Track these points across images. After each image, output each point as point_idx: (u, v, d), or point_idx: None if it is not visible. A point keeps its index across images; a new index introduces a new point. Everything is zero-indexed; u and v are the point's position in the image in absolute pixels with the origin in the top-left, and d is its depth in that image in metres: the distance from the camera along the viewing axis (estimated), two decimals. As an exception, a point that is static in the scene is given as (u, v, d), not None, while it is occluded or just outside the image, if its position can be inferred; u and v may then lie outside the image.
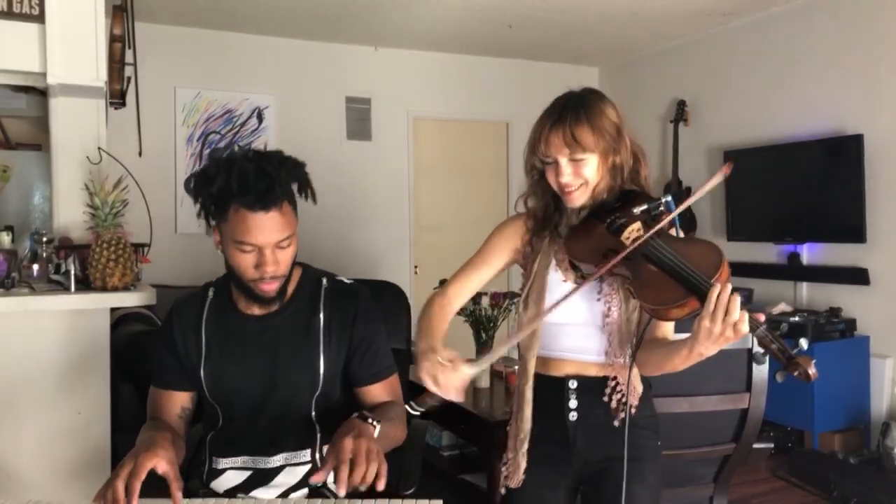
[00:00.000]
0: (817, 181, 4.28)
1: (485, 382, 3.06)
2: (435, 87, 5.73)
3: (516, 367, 3.00)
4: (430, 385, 1.33)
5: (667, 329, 1.51)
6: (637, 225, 1.40)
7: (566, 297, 1.40)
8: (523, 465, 1.55)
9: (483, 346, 3.28)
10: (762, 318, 1.28)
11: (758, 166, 4.65)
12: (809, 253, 4.38)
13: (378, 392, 1.59)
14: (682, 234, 1.50)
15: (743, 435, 2.18)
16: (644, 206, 1.40)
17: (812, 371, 1.21)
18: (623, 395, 1.51)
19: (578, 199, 1.49)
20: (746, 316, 1.25)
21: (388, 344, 1.65)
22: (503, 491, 1.59)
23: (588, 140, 1.44)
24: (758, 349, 1.26)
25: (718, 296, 1.25)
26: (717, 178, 1.38)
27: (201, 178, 1.45)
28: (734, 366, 2.15)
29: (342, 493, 1.17)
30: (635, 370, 1.53)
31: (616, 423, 1.52)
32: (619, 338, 1.50)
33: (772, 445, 2.49)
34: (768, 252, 4.66)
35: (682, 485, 2.21)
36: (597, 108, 1.47)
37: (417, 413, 1.42)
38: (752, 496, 3.51)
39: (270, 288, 1.47)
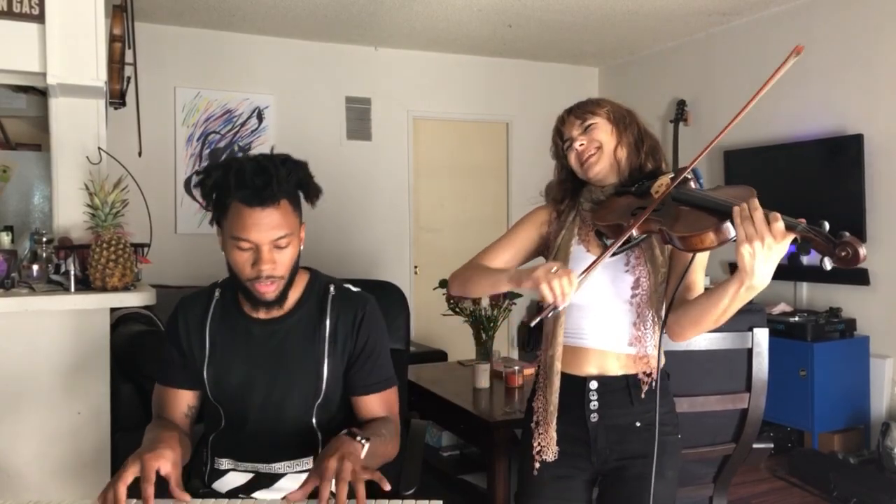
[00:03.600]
0: (817, 181, 4.28)
1: (485, 383, 3.05)
2: (435, 87, 5.73)
3: (516, 368, 3.02)
4: (545, 293, 1.34)
5: (698, 287, 1.52)
6: (665, 180, 1.46)
7: (616, 244, 1.42)
8: (555, 437, 1.56)
9: (483, 346, 3.28)
10: (803, 221, 1.25)
11: (758, 166, 4.65)
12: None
13: (374, 403, 1.57)
14: None
15: (743, 435, 2.18)
16: (671, 174, 1.47)
17: (863, 251, 1.15)
18: (651, 372, 1.54)
19: (596, 165, 1.58)
20: (779, 216, 1.24)
21: (389, 355, 1.63)
22: (536, 465, 1.59)
23: (594, 106, 1.61)
24: (803, 244, 1.22)
25: (743, 207, 1.26)
26: (791, 60, 1.32)
27: (202, 172, 1.47)
28: (734, 366, 2.15)
29: None
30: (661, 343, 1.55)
31: (638, 424, 1.54)
32: (649, 307, 1.52)
33: (771, 445, 2.49)
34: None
35: (683, 485, 2.19)
36: (603, 99, 1.66)
37: (534, 323, 1.44)
38: (752, 496, 3.51)
39: (268, 290, 1.45)
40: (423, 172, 5.78)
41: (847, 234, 1.18)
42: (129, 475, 1.23)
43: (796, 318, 4.06)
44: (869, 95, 4.10)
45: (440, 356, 4.70)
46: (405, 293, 2.26)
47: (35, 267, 2.40)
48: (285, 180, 1.42)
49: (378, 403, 1.57)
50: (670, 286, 1.53)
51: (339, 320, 1.56)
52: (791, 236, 1.24)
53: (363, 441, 1.32)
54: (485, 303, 3.26)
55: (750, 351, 2.13)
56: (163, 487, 1.26)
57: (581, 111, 1.61)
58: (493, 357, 3.28)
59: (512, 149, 5.99)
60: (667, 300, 1.53)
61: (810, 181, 4.32)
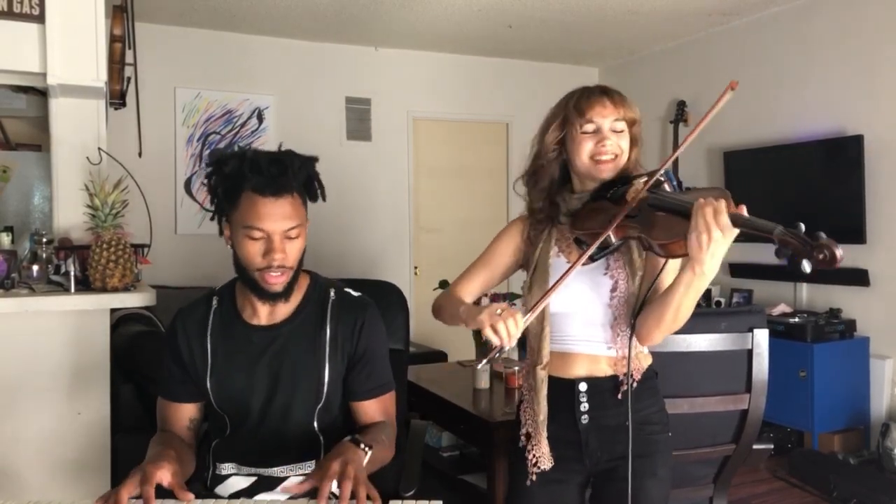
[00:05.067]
0: (817, 181, 4.28)
1: (485, 383, 3.05)
2: (435, 87, 5.73)
3: (516, 369, 3.02)
4: (490, 336, 1.35)
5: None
6: (639, 185, 1.44)
7: (590, 251, 1.41)
8: (547, 446, 1.55)
9: (484, 348, 3.27)
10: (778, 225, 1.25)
11: (758, 166, 4.65)
12: (809, 253, 4.37)
13: (372, 408, 1.58)
14: None
15: (743, 435, 2.18)
16: (644, 178, 1.45)
17: (839, 251, 1.15)
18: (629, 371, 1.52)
19: (609, 170, 1.51)
20: (727, 216, 1.25)
21: (388, 360, 1.64)
22: (533, 478, 1.56)
23: (630, 111, 1.51)
24: (782, 247, 1.22)
25: (700, 202, 1.28)
26: (727, 96, 1.37)
27: (216, 162, 1.48)
28: (734, 366, 2.15)
29: None
30: (641, 347, 1.55)
31: (628, 423, 1.52)
32: (625, 310, 1.51)
33: (771, 446, 2.49)
34: (768, 253, 4.55)
35: (683, 485, 2.21)
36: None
37: (487, 367, 1.48)
38: (752, 497, 3.51)
39: (277, 281, 1.46)
40: (423, 172, 5.78)
41: (823, 234, 1.18)
42: (131, 484, 1.24)
43: (796, 319, 4.06)
44: (869, 96, 4.10)
45: (440, 356, 4.70)
46: (405, 293, 2.26)
47: (35, 267, 2.39)
48: (298, 172, 1.46)
49: (376, 408, 1.58)
50: (641, 290, 1.52)
51: (340, 325, 1.56)
52: (736, 231, 1.26)
53: (366, 449, 1.33)
54: (484, 303, 3.25)
55: (750, 352, 2.13)
56: (165, 493, 1.27)
57: (621, 105, 1.49)
58: (496, 357, 3.27)
59: (512, 149, 5.99)
60: (637, 304, 1.52)
61: (810, 182, 4.32)
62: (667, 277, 1.50)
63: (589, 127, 1.50)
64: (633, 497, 1.52)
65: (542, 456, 1.56)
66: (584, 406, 1.55)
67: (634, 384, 1.53)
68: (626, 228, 1.41)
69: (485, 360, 1.44)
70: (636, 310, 1.50)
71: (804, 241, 1.19)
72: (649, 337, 1.49)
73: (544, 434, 1.55)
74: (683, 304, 1.39)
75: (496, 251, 1.66)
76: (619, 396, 1.54)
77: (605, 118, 1.49)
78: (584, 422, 1.55)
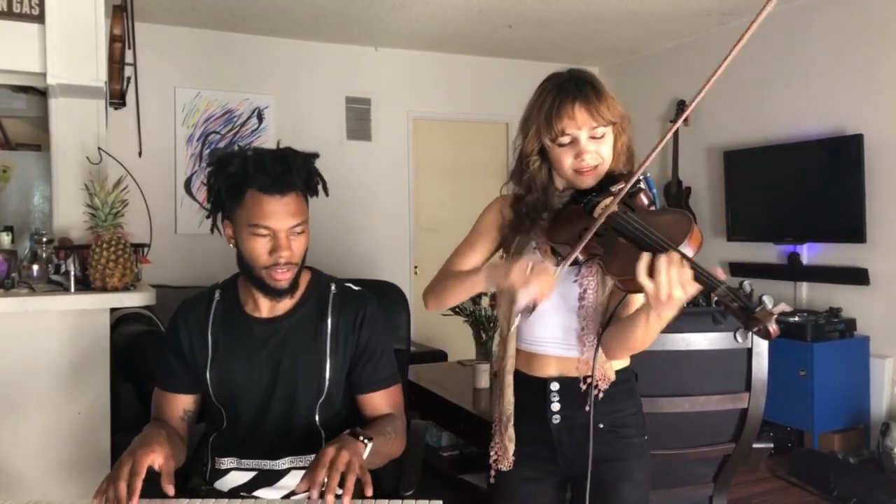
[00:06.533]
0: (817, 181, 4.28)
1: (485, 382, 3.05)
2: (435, 87, 5.73)
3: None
4: (523, 295, 1.31)
5: (636, 306, 1.45)
6: (610, 200, 1.37)
7: (565, 264, 1.36)
8: (511, 447, 1.53)
9: (484, 348, 3.27)
10: (721, 275, 1.19)
11: (758, 166, 4.65)
12: (809, 253, 4.37)
13: (379, 401, 1.59)
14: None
15: (742, 435, 2.18)
16: (620, 184, 1.36)
17: (773, 328, 1.12)
18: (593, 382, 1.48)
19: (591, 178, 1.44)
20: (690, 274, 1.19)
21: (392, 353, 1.65)
22: (493, 473, 1.56)
23: (608, 112, 1.41)
24: (719, 308, 1.18)
25: (672, 258, 1.20)
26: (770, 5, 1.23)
27: (218, 162, 1.49)
28: (734, 366, 2.15)
29: (314, 495, 1.19)
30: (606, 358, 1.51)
31: (601, 426, 1.50)
32: (594, 319, 1.48)
33: (771, 445, 2.49)
34: (768, 252, 4.66)
35: (682, 485, 2.21)
36: (604, 87, 1.47)
37: (516, 322, 1.44)
38: (752, 496, 3.51)
39: (284, 277, 1.48)
40: (423, 172, 5.78)
41: (767, 303, 1.14)
42: (125, 472, 1.23)
43: (796, 318, 4.05)
44: (869, 95, 4.10)
45: (440, 356, 4.70)
46: (405, 293, 2.26)
47: (35, 267, 2.40)
48: (300, 169, 1.48)
49: (383, 400, 1.59)
50: (611, 303, 1.48)
51: (341, 319, 1.57)
52: (704, 292, 1.21)
53: (366, 441, 1.32)
54: (485, 303, 3.25)
55: (750, 351, 2.13)
56: (155, 486, 1.26)
57: (596, 109, 1.40)
58: (493, 357, 3.27)
59: (512, 149, 5.98)
60: (604, 316, 1.48)
61: (810, 181, 4.32)
62: (636, 295, 1.45)
63: (564, 140, 1.42)
64: (609, 501, 1.50)
65: (502, 455, 1.55)
66: (556, 406, 1.52)
67: (601, 394, 1.49)
68: (591, 247, 1.36)
69: (516, 322, 1.38)
70: (605, 322, 1.47)
71: (743, 309, 1.15)
72: (613, 356, 1.47)
73: (507, 433, 1.53)
74: (647, 335, 1.35)
75: (485, 232, 1.61)
76: (600, 397, 1.50)
77: (581, 129, 1.41)
78: (556, 421, 1.52)
